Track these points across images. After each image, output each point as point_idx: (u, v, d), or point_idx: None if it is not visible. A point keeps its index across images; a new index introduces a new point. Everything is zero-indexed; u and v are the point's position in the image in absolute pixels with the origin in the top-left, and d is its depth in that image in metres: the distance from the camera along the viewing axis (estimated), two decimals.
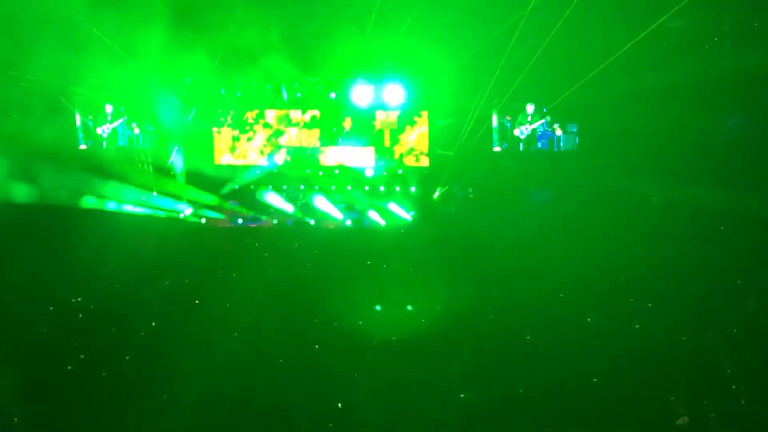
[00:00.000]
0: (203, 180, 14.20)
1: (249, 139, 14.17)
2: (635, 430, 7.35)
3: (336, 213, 14.11)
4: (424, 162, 14.05)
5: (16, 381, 7.67)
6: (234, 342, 9.59)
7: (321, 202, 14.14)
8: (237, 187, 14.39)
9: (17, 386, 7.58)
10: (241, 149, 14.24)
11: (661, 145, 12.40)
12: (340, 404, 7.91)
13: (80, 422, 7.40)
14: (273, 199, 14.26)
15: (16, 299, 10.05)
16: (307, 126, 14.12)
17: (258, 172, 14.35)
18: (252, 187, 14.36)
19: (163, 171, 13.94)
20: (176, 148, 13.93)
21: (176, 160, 13.96)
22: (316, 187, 14.25)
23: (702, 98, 11.99)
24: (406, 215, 13.95)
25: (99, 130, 14.07)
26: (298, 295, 11.33)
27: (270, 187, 14.30)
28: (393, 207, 13.96)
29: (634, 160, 12.69)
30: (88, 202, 13.43)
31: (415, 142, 13.99)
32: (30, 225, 12.19)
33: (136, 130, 14.12)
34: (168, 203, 14.03)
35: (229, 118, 14.07)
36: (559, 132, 13.63)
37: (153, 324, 9.88)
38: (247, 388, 8.00)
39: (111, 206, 13.65)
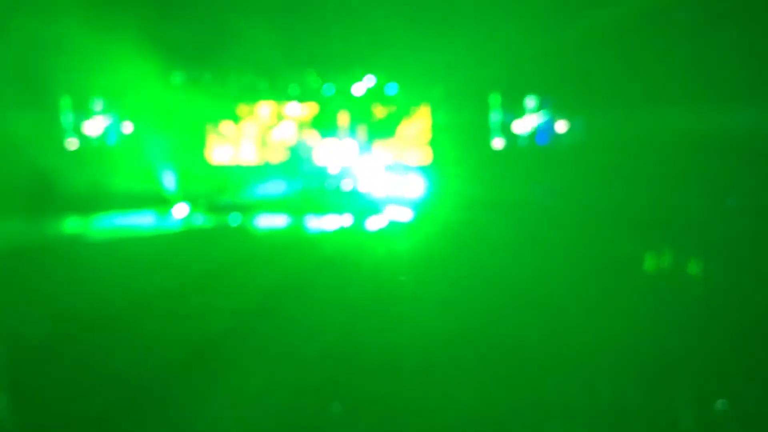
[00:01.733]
0: (197, 179, 14.07)
1: (243, 134, 14.05)
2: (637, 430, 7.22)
3: (333, 210, 14.01)
4: (424, 159, 13.97)
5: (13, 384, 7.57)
6: (229, 341, 9.48)
7: (318, 200, 14.04)
8: (233, 185, 14.26)
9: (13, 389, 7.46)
10: (236, 146, 14.12)
11: (662, 138, 12.30)
12: (338, 405, 7.76)
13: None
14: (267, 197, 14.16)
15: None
16: (305, 121, 14.00)
17: (254, 169, 14.24)
18: (247, 184, 14.23)
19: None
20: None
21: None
22: (314, 183, 14.13)
23: (705, 93, 11.90)
24: (405, 213, 13.87)
25: (87, 128, 13.84)
26: (296, 294, 11.23)
27: (266, 184, 14.18)
28: (392, 204, 13.87)
29: (636, 155, 12.60)
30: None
31: (415, 139, 13.90)
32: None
33: (130, 129, 13.95)
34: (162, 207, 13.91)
35: (224, 114, 13.94)
36: (559, 127, 13.57)
37: (146, 327, 9.78)
38: (244, 389, 7.89)
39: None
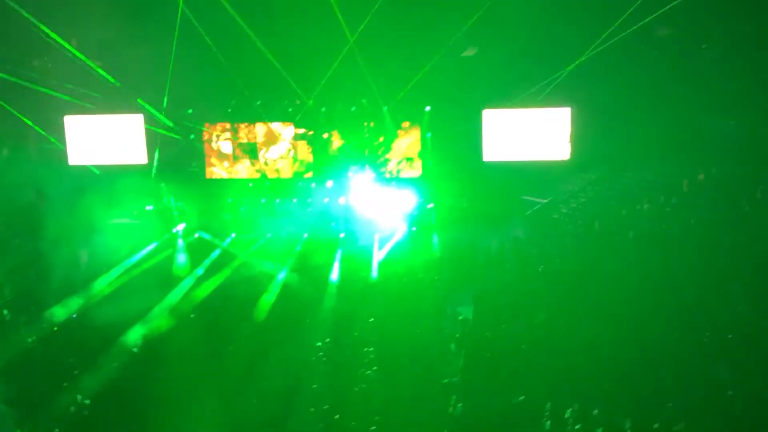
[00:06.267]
0: (194, 194, 14.15)
1: (239, 152, 14.14)
2: None
3: (330, 225, 14.07)
4: (417, 173, 14.06)
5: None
6: (230, 354, 9.62)
7: (315, 215, 14.10)
8: (229, 201, 14.33)
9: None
10: (232, 164, 14.19)
11: (652, 149, 12.41)
12: (337, 416, 7.89)
13: None
14: (265, 213, 14.23)
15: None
16: (300, 137, 14.09)
17: (250, 185, 14.30)
18: (244, 200, 14.31)
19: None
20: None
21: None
22: (309, 200, 14.21)
23: (693, 102, 12.06)
24: (401, 225, 13.94)
25: None
26: (295, 304, 11.33)
27: (263, 200, 14.25)
28: (388, 217, 13.93)
29: (627, 165, 12.70)
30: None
31: (407, 153, 14.01)
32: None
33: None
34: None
35: (219, 132, 14.02)
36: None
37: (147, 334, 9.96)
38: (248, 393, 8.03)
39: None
